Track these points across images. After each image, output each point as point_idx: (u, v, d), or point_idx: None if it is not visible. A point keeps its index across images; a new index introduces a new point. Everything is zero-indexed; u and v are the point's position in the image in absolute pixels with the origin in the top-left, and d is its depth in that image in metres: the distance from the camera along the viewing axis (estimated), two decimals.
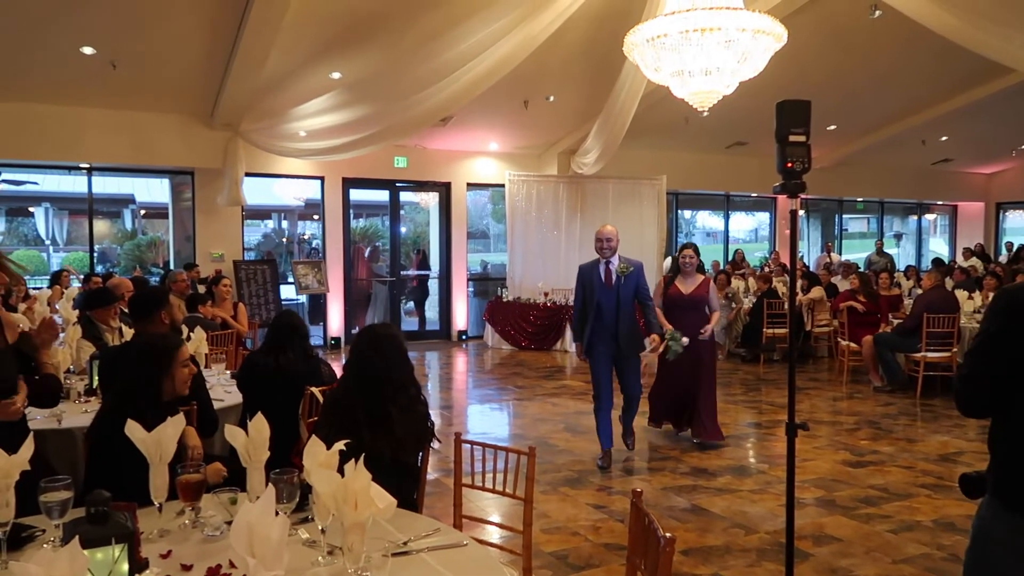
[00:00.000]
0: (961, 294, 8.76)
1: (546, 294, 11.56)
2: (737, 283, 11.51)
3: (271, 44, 7.72)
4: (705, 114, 7.53)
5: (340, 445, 2.09)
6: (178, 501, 2.28)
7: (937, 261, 15.80)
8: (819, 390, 8.63)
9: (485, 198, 17.06)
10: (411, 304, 13.74)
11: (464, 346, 12.25)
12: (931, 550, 4.10)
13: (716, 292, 6.22)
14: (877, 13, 8.38)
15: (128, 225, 15.68)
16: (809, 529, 4.39)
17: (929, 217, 18.63)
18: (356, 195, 12.66)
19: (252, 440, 2.30)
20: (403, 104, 8.77)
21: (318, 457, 2.05)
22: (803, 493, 4.99)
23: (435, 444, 3.06)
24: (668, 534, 1.90)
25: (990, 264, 13.03)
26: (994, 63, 8.59)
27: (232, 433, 2.32)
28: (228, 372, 4.84)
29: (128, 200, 15.04)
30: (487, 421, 7.54)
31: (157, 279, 11.26)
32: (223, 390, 4.28)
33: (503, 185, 12.24)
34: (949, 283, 10.46)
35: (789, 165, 2.71)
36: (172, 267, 11.36)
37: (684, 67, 6.06)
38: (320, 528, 2.04)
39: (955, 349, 7.79)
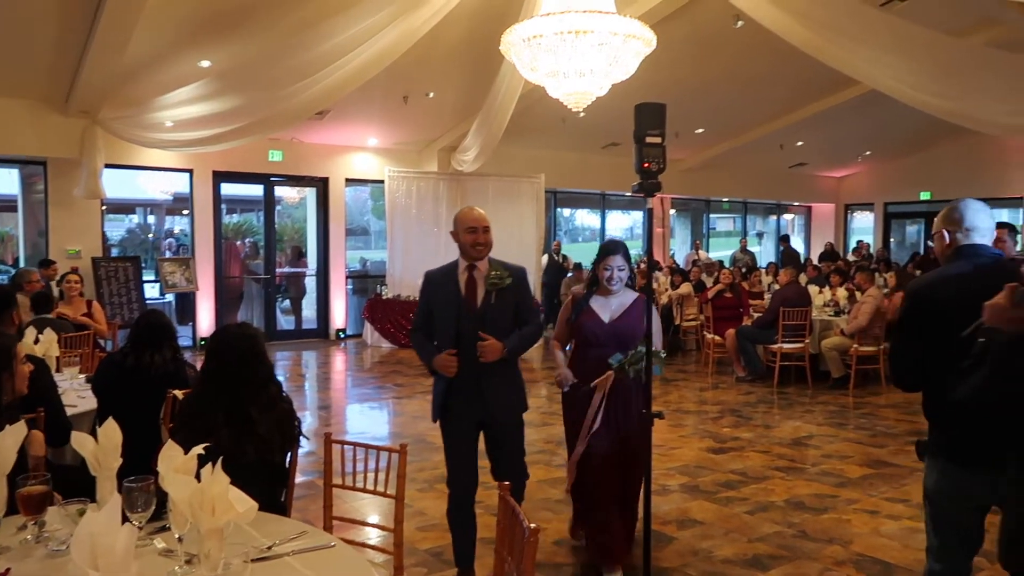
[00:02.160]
0: (813, 289, 9.43)
1: None
2: None
3: (133, 26, 7.27)
4: (581, 115, 7.73)
5: (198, 449, 2.02)
6: (19, 515, 2.14)
7: (785, 238, 16.96)
8: (687, 381, 9.06)
9: (366, 194, 16.80)
10: (287, 302, 13.35)
11: (342, 345, 12.03)
12: (783, 528, 4.40)
13: (658, 318, 3.96)
14: (740, 23, 8.86)
15: None
16: (675, 514, 4.61)
17: (787, 217, 19.90)
18: (228, 189, 12.16)
19: (102, 447, 2.18)
20: (277, 95, 8.49)
21: (174, 462, 1.97)
22: (669, 480, 5.23)
23: (304, 443, 3.01)
24: (532, 524, 1.95)
25: (837, 261, 14.08)
26: (843, 75, 9.27)
27: (79, 441, 2.19)
28: (82, 376, 4.54)
29: None
30: (365, 420, 7.44)
31: (5, 278, 10.41)
32: (76, 395, 4.02)
33: (383, 181, 12.10)
34: (804, 279, 11.23)
35: (646, 165, 2.86)
36: (23, 265, 10.51)
37: (559, 68, 6.20)
38: (177, 536, 1.96)
39: (807, 340, 8.38)
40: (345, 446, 2.95)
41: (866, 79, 8.92)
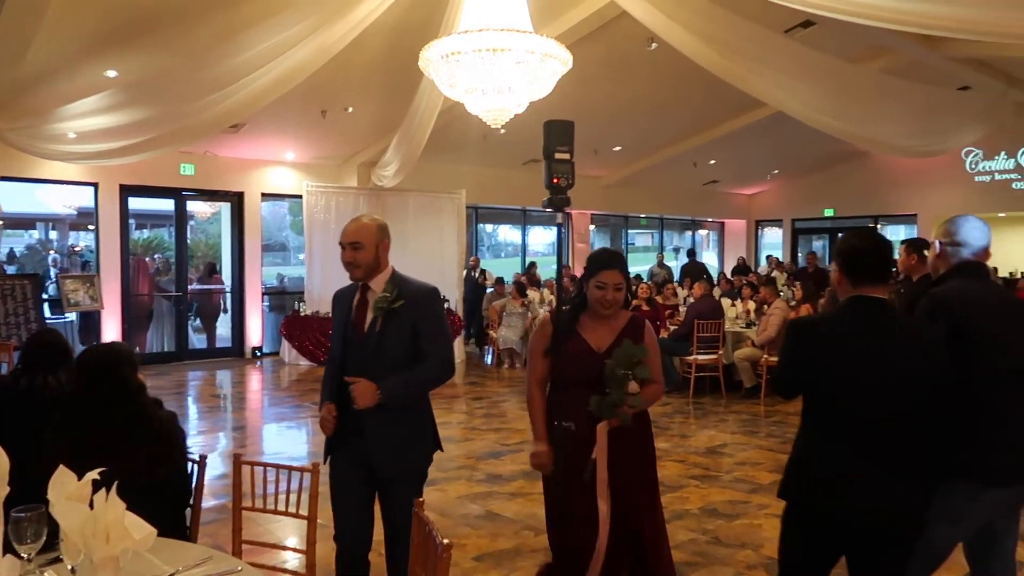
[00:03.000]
0: (725, 302, 9.74)
1: None
2: (533, 294, 11.98)
3: (33, 34, 6.91)
4: (501, 131, 7.81)
5: (93, 474, 1.93)
6: None
7: (691, 252, 17.49)
8: None
9: (284, 209, 16.47)
10: (199, 320, 12.90)
11: (259, 363, 11.70)
12: (697, 535, 4.51)
13: (656, 344, 3.11)
14: (654, 45, 9.13)
15: None
16: None
17: (702, 233, 20.54)
18: (137, 204, 11.71)
19: None
20: (188, 108, 8.23)
21: (66, 489, 1.87)
22: None
23: (219, 465, 2.91)
24: (445, 540, 1.94)
25: (748, 275, 14.59)
26: (752, 97, 9.66)
27: None
28: None
29: None
30: (282, 440, 7.25)
31: None
32: None
33: (301, 196, 11.89)
34: (717, 292, 11.59)
35: (555, 181, 2.92)
36: None
37: (477, 85, 6.25)
38: (70, 568, 1.87)
39: (721, 352, 8.64)
40: (256, 467, 2.87)
41: (772, 101, 9.33)
